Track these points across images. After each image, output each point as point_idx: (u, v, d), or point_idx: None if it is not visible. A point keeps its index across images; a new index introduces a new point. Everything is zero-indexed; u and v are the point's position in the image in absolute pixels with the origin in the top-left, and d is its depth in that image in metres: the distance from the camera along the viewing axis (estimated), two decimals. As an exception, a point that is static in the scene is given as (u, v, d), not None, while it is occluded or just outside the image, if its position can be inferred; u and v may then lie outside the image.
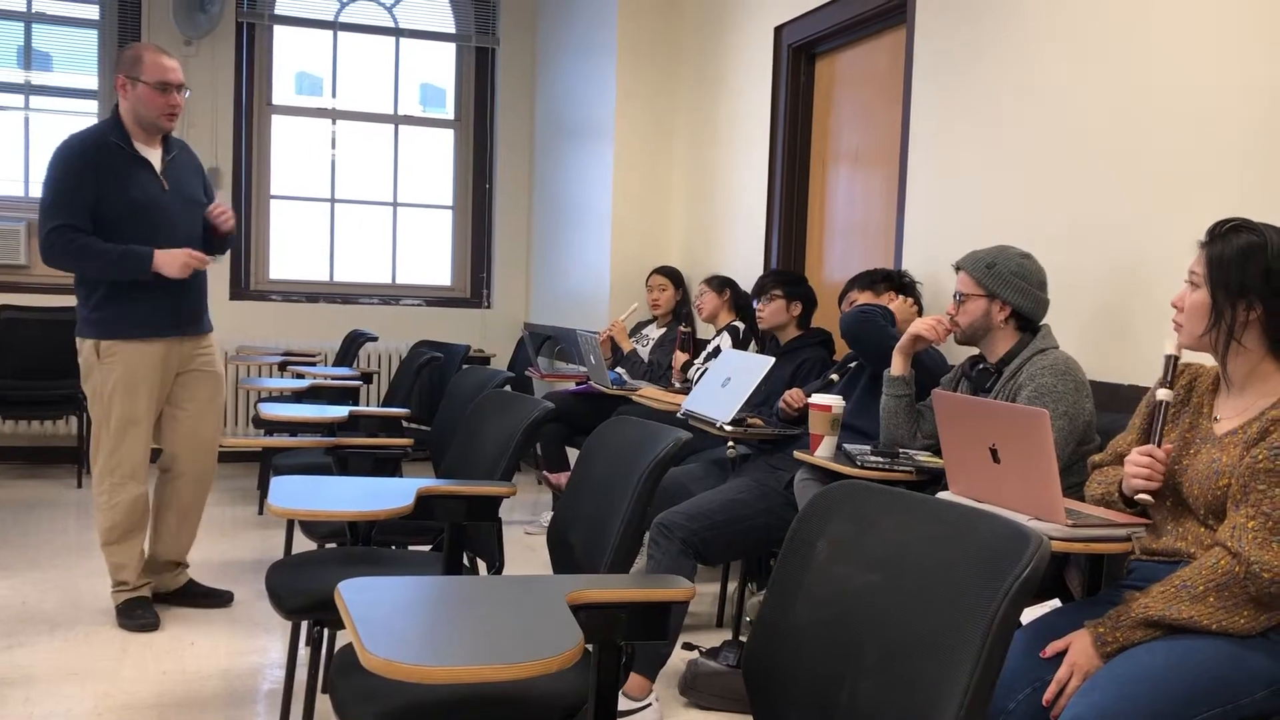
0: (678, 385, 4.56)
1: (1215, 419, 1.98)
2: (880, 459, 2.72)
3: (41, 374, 5.91)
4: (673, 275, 5.22)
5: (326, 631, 2.41)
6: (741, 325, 4.59)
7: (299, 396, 4.43)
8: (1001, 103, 3.32)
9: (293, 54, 6.92)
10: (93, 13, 6.48)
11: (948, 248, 3.34)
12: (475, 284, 7.28)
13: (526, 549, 4.74)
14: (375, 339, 6.03)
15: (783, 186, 4.65)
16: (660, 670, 2.96)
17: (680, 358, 4.66)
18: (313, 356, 6.05)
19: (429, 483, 2.29)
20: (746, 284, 4.57)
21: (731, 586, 3.84)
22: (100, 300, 3.48)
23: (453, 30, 7.13)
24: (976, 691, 1.14)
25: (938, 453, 2.62)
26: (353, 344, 5.95)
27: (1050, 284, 2.72)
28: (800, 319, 3.98)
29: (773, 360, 3.42)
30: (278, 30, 6.80)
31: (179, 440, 3.68)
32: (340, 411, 3.35)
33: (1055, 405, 2.45)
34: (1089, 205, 2.97)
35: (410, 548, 3.07)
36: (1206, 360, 2.03)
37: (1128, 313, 2.81)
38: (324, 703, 2.08)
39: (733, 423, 3.32)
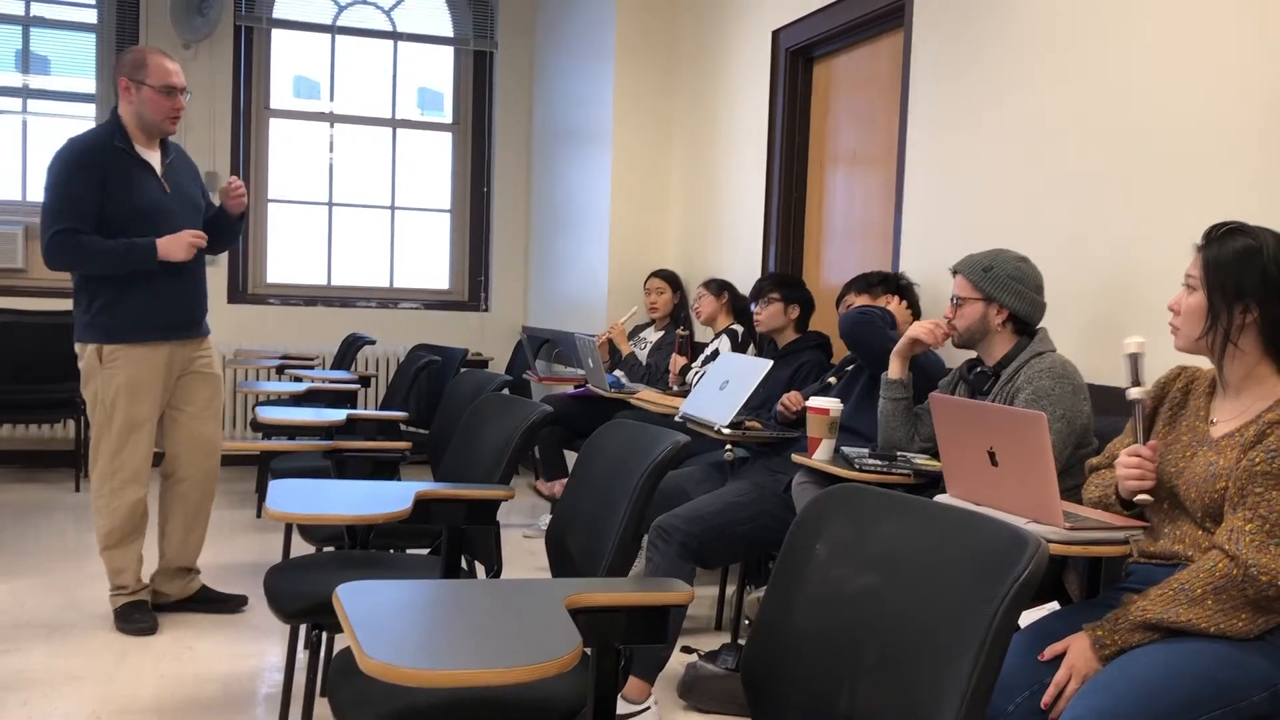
0: (675, 389, 4.56)
1: (1212, 422, 1.98)
2: (878, 462, 2.72)
3: (39, 378, 5.90)
4: (670, 278, 5.22)
5: (325, 635, 2.41)
6: (740, 328, 4.60)
7: (297, 400, 4.43)
8: (999, 106, 3.33)
9: (291, 58, 6.92)
10: (91, 17, 6.48)
11: (945, 251, 3.34)
12: (473, 287, 7.29)
13: (525, 552, 4.73)
14: (373, 342, 6.03)
15: (781, 190, 4.65)
16: (659, 673, 2.95)
17: (678, 361, 4.66)
18: (311, 360, 6.05)
19: (427, 486, 2.29)
20: (745, 287, 4.57)
21: (730, 589, 3.84)
22: (103, 305, 3.48)
23: (450, 34, 7.13)
24: (975, 694, 1.14)
25: (936, 456, 2.62)
26: (351, 347, 5.95)
27: (1047, 287, 2.73)
28: (798, 322, 3.98)
29: (770, 363, 3.42)
30: (276, 34, 6.80)
31: (181, 443, 3.68)
32: (338, 415, 3.35)
33: (1053, 408, 2.45)
34: (1086, 208, 2.97)
35: (408, 551, 3.07)
36: (1202, 363, 2.04)
37: (1125, 316, 2.81)
38: (322, 706, 2.08)
39: (731, 426, 3.32)
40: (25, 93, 6.43)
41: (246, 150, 6.69)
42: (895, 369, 2.89)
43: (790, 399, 3.41)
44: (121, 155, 3.49)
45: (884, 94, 4.09)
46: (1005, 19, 3.31)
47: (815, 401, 2.96)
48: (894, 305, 3.40)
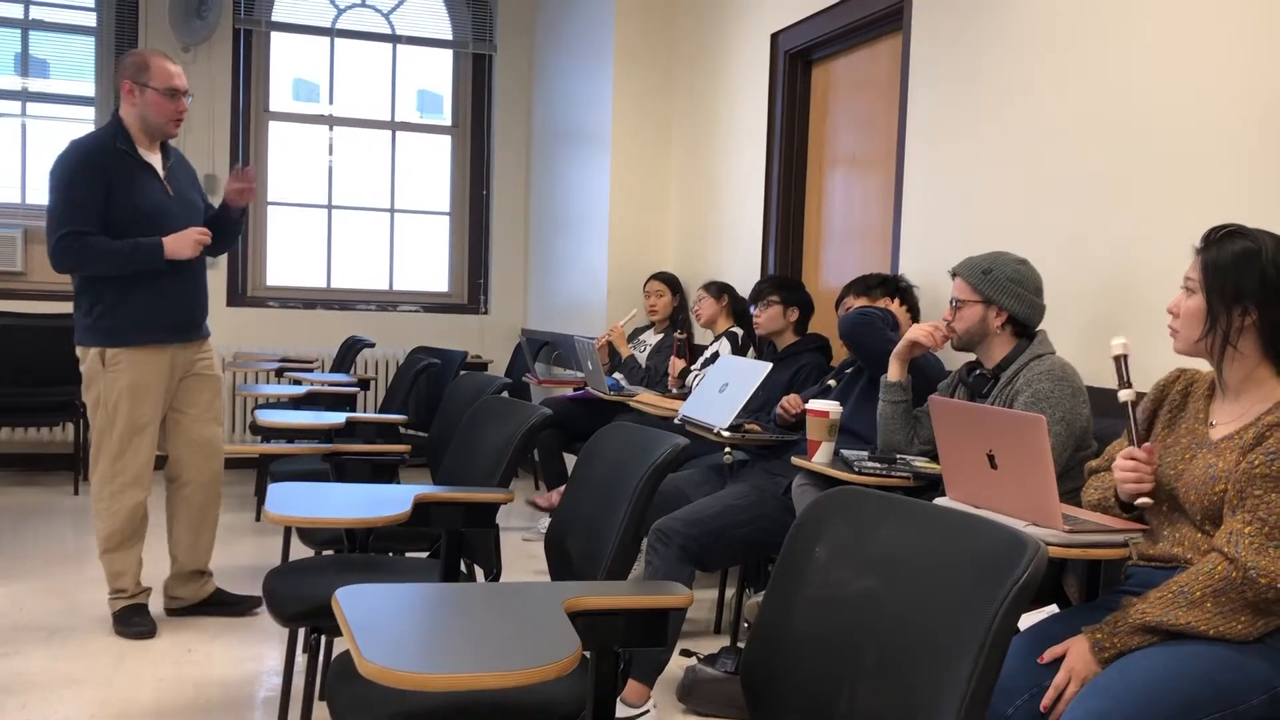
0: (675, 391, 4.56)
1: (1211, 424, 1.98)
2: (878, 465, 2.72)
3: (38, 381, 5.90)
4: (670, 281, 5.22)
5: (324, 638, 2.41)
6: (740, 331, 4.60)
7: (296, 403, 4.43)
8: (998, 109, 3.33)
9: (290, 60, 6.92)
10: (90, 20, 6.48)
11: (944, 253, 3.35)
12: (472, 290, 7.29)
13: (524, 555, 4.73)
14: (372, 345, 6.03)
15: (780, 192, 4.65)
16: (658, 677, 2.95)
17: (676, 365, 4.66)
18: (310, 363, 6.05)
19: (426, 489, 2.29)
20: (744, 289, 4.58)
21: (729, 592, 3.84)
22: (105, 308, 3.48)
23: (450, 37, 7.14)
24: (974, 697, 1.14)
25: (935, 458, 2.62)
26: (350, 350, 5.95)
27: (1046, 289, 2.73)
28: (797, 325, 3.98)
29: (770, 366, 3.43)
30: (275, 37, 6.80)
31: (184, 446, 3.68)
32: (337, 418, 3.35)
33: (1052, 411, 2.45)
34: (1085, 211, 2.97)
35: (408, 554, 3.07)
36: (1201, 365, 2.04)
37: (1124, 318, 2.82)
38: (321, 710, 2.08)
39: (730, 428, 3.32)
40: (24, 96, 6.43)
41: (246, 153, 6.69)
42: (894, 371, 2.89)
43: (789, 402, 3.41)
44: (125, 158, 3.49)
45: (883, 96, 4.09)
46: (1004, 21, 3.31)
47: (815, 404, 2.96)
48: (893, 308, 3.41)
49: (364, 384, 5.47)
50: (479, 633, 1.41)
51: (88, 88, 6.50)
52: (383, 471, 3.21)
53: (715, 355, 4.51)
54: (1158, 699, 1.70)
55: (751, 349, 4.53)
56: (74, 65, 6.52)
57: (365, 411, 6.00)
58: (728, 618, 3.81)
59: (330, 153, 6.99)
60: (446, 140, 7.24)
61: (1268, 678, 1.76)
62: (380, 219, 7.14)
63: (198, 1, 6.33)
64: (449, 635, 1.42)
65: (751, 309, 4.04)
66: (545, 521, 4.94)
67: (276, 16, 6.76)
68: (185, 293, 3.59)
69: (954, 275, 2.75)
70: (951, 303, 2.73)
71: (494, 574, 2.62)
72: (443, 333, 6.89)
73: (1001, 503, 2.05)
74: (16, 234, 6.26)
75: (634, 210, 5.70)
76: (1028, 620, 2.08)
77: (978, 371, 2.74)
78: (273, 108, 6.82)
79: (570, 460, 4.85)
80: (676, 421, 3.55)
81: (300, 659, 2.81)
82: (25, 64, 6.43)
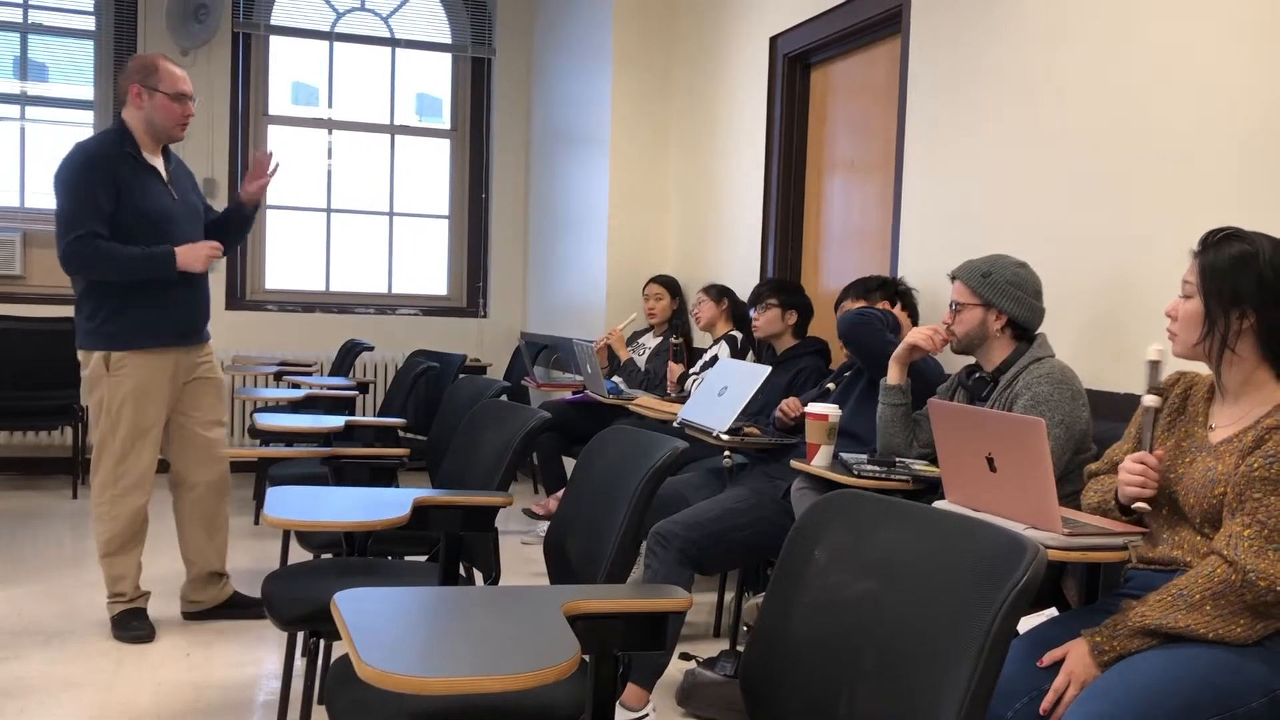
0: (673, 395, 4.56)
1: (1210, 427, 1.98)
2: (877, 468, 2.72)
3: (37, 384, 5.90)
4: (669, 285, 5.22)
5: (323, 642, 2.40)
6: (739, 334, 4.60)
7: (295, 406, 4.43)
8: (997, 112, 3.33)
9: (289, 64, 6.93)
10: (89, 24, 6.48)
11: (943, 256, 3.35)
12: (471, 293, 7.29)
13: (523, 559, 4.73)
14: (371, 349, 6.03)
15: (779, 195, 4.66)
16: (658, 680, 2.95)
17: (675, 370, 4.66)
18: (309, 366, 6.05)
19: (425, 493, 2.28)
20: (743, 292, 4.58)
21: (729, 596, 3.84)
22: (110, 311, 3.48)
23: (449, 40, 7.14)
24: (974, 700, 1.14)
25: (934, 462, 2.62)
26: (349, 354, 5.95)
27: (1046, 293, 2.73)
28: (796, 328, 3.98)
29: (769, 369, 3.42)
30: (274, 40, 6.81)
31: (190, 449, 3.69)
32: (336, 421, 3.34)
33: (1051, 414, 2.45)
34: (1084, 214, 2.98)
35: (407, 558, 3.07)
36: (1201, 369, 2.04)
37: (1123, 321, 2.82)
38: (320, 713, 2.08)
39: (729, 432, 3.32)
40: (23, 99, 6.43)
41: (245, 157, 6.69)
42: (894, 375, 2.89)
43: (789, 405, 3.41)
44: (131, 161, 3.51)
45: (881, 100, 4.09)
46: (1002, 25, 3.31)
47: (814, 407, 2.95)
48: (892, 311, 3.40)
49: (363, 387, 5.47)
50: (478, 636, 1.41)
51: (86, 91, 6.51)
52: (381, 475, 3.20)
53: (714, 358, 4.51)
54: (1157, 702, 1.70)
55: (750, 352, 4.53)
56: (73, 69, 6.52)
57: (364, 415, 6.01)
58: (727, 621, 3.81)
59: (329, 156, 7.00)
60: (445, 144, 7.24)
61: (1267, 681, 1.76)
62: (379, 222, 7.14)
63: (196, 5, 6.33)
64: (448, 639, 1.41)
65: (751, 312, 4.04)
66: (544, 525, 4.94)
67: (275, 20, 6.76)
68: (189, 296, 3.60)
69: (953, 278, 2.75)
70: (951, 306, 2.73)
71: (493, 577, 2.62)
72: (442, 336, 6.89)
73: (1001, 506, 2.05)
74: (15, 238, 6.26)
75: (633, 213, 5.71)
76: (1027, 623, 2.08)
77: (977, 374, 2.74)
78: (272, 111, 6.83)
79: (569, 463, 4.85)
80: (675, 425, 3.54)
81: (299, 662, 2.81)
82: (24, 68, 6.44)
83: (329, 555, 3.05)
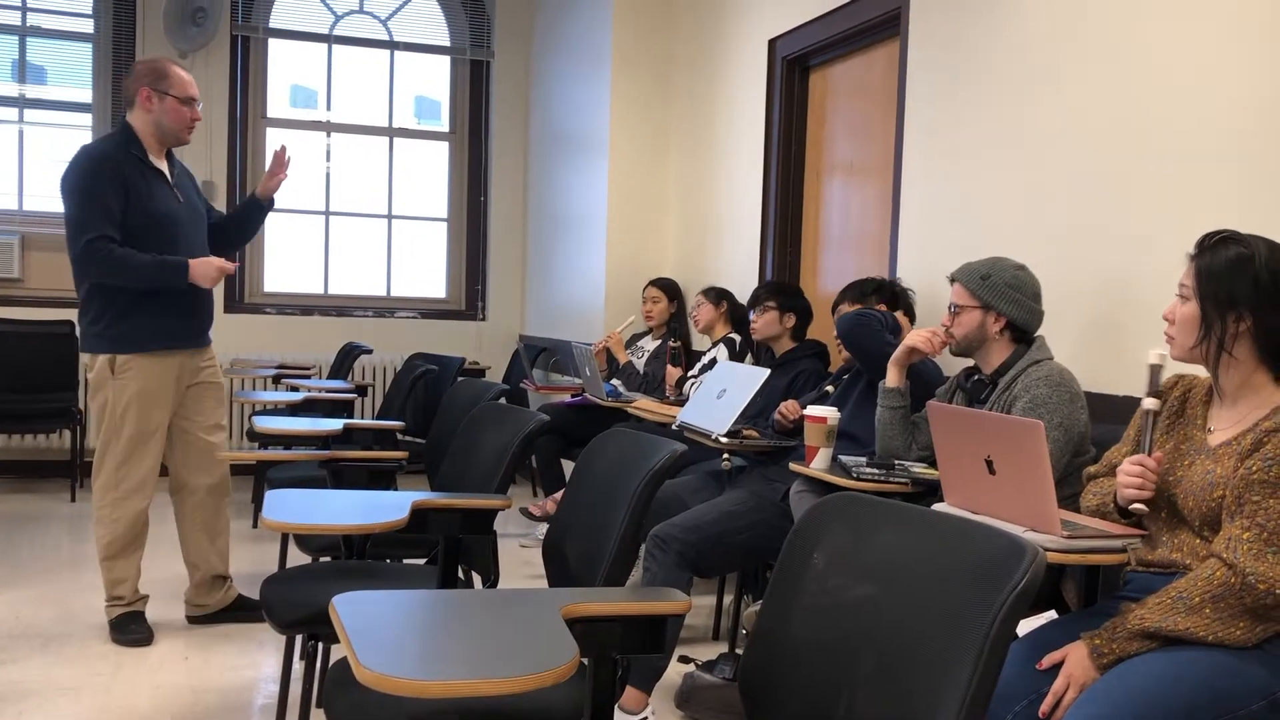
0: (672, 398, 4.56)
1: (1209, 430, 1.98)
2: (876, 471, 2.72)
3: (35, 387, 5.90)
4: (667, 288, 5.22)
5: (321, 645, 2.40)
6: (738, 337, 4.59)
7: (293, 409, 4.42)
8: (995, 113, 3.33)
9: (287, 67, 6.93)
10: (87, 27, 6.48)
11: (942, 259, 3.35)
12: (470, 296, 7.29)
13: (522, 562, 4.73)
14: (370, 351, 6.02)
15: (777, 198, 4.66)
16: (656, 683, 2.95)
17: (673, 373, 4.66)
18: (307, 369, 6.04)
19: (424, 496, 2.28)
20: (742, 294, 4.58)
21: (727, 599, 3.84)
22: (116, 315, 3.48)
23: (447, 43, 7.14)
24: (973, 703, 1.14)
25: (933, 464, 2.62)
26: (347, 357, 5.94)
27: (1045, 293, 2.73)
28: (794, 331, 3.98)
29: (768, 372, 3.42)
30: (272, 43, 6.81)
31: (192, 454, 3.69)
32: (335, 424, 3.34)
33: (1050, 417, 2.45)
34: (1083, 217, 2.98)
35: (405, 561, 3.06)
36: (1200, 372, 2.04)
37: (1122, 324, 2.82)
38: (318, 717, 2.07)
39: (728, 435, 3.31)
40: (21, 102, 6.43)
41: (243, 159, 6.69)
42: (892, 377, 2.89)
43: (787, 407, 3.41)
44: (138, 164, 3.52)
45: (880, 102, 4.10)
46: (1001, 26, 3.31)
47: (813, 410, 2.95)
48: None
49: (361, 390, 5.46)
50: (477, 639, 1.41)
51: (85, 94, 6.50)
52: (380, 478, 3.20)
53: (713, 361, 4.51)
54: (1156, 705, 1.70)
55: (749, 355, 4.53)
56: (71, 72, 6.52)
57: (363, 418, 6.01)
58: (726, 624, 3.81)
59: (328, 159, 7.00)
60: (444, 146, 7.24)
61: (1266, 683, 1.76)
62: (378, 225, 7.14)
63: (195, 8, 6.33)
64: (447, 642, 1.41)
65: (749, 314, 4.04)
66: (543, 528, 4.94)
67: (274, 23, 6.77)
68: (194, 299, 3.61)
69: (952, 280, 2.75)
70: (950, 308, 2.73)
71: (491, 580, 2.61)
72: (440, 339, 6.89)
73: (999, 508, 2.05)
74: (14, 240, 6.26)
75: (632, 216, 5.71)
76: (1026, 626, 2.08)
77: (976, 377, 2.74)
78: (270, 114, 6.83)
79: (568, 466, 4.85)
80: (674, 427, 3.54)
81: (298, 666, 2.81)
82: (23, 70, 6.43)
83: (327, 558, 3.05)
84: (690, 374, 4.65)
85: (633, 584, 3.39)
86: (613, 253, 5.69)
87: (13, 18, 6.39)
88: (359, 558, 2.80)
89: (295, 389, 4.96)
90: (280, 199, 4.08)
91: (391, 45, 7.03)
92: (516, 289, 7.24)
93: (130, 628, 3.54)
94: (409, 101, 7.27)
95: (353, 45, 6.97)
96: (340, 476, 3.03)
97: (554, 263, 6.60)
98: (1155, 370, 2.03)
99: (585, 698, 1.57)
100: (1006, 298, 2.65)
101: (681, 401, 4.29)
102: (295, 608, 2.33)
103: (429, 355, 5.46)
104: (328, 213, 7.01)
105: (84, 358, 3.57)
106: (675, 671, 3.15)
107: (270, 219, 6.85)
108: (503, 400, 3.07)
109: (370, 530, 2.12)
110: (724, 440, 3.31)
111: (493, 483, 2.50)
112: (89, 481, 3.62)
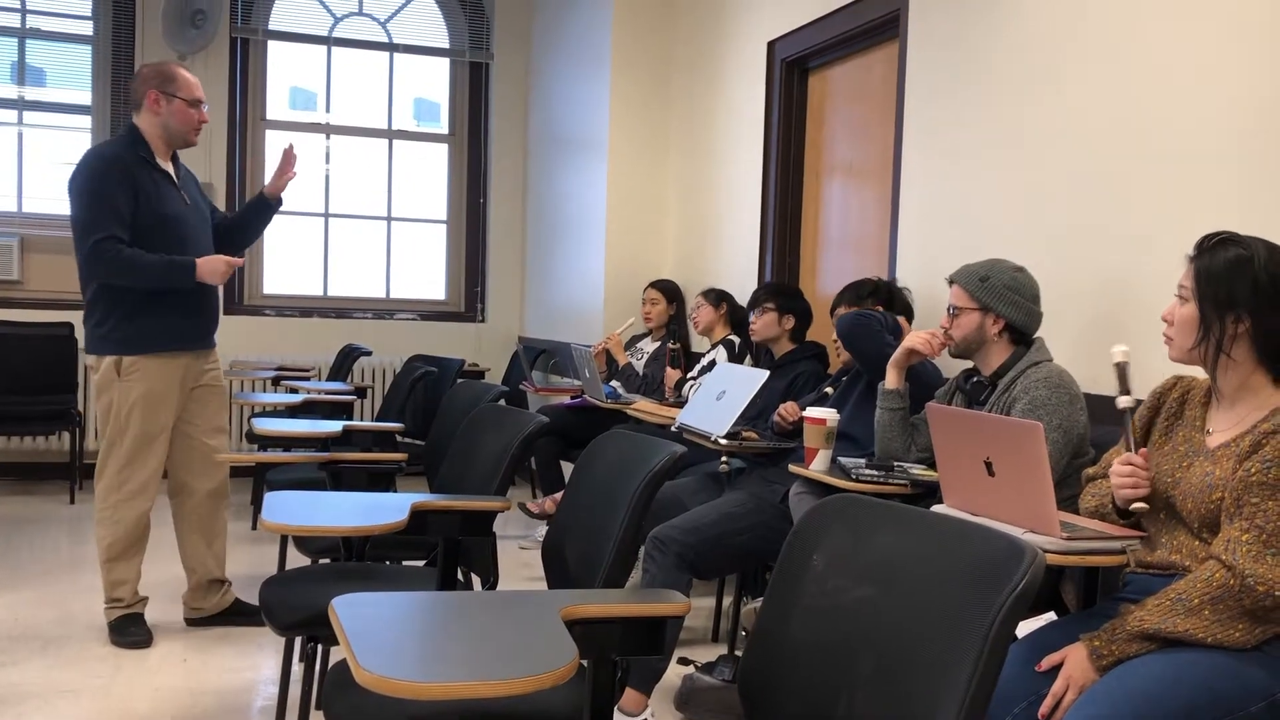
0: (671, 400, 4.56)
1: (1208, 432, 1.98)
2: (875, 472, 2.72)
3: (35, 389, 5.90)
4: (667, 290, 5.21)
5: (320, 647, 2.40)
6: (737, 339, 4.59)
7: (293, 411, 4.42)
8: (994, 114, 3.34)
9: (287, 69, 6.93)
10: (86, 29, 6.49)
11: (941, 260, 3.35)
12: (469, 298, 7.29)
13: (521, 564, 4.73)
14: (369, 353, 6.02)
15: (777, 199, 4.66)
16: (656, 685, 2.95)
17: (672, 375, 4.66)
18: (306, 371, 6.04)
19: (423, 498, 2.28)
20: (741, 296, 4.58)
21: (727, 600, 3.84)
22: (122, 316, 3.48)
23: (447, 45, 7.15)
24: (972, 704, 1.14)
25: (933, 466, 2.62)
26: (347, 358, 5.94)
27: (1044, 294, 2.73)
28: (793, 332, 3.98)
29: (767, 374, 3.42)
30: (272, 45, 6.81)
31: (193, 457, 3.69)
32: (334, 426, 3.34)
33: (1049, 418, 2.45)
34: (1083, 217, 2.98)
35: (404, 563, 3.06)
36: (1198, 373, 2.04)
37: (1123, 322, 2.82)
38: (318, 719, 2.07)
39: (727, 436, 3.31)
40: (21, 105, 6.43)
41: (243, 162, 6.69)
42: (891, 379, 2.89)
43: (787, 409, 3.41)
44: (147, 166, 3.53)
45: (879, 104, 4.10)
46: (1000, 27, 3.32)
47: (812, 412, 2.95)
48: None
49: (361, 392, 5.47)
50: (476, 641, 1.41)
51: (84, 96, 6.50)
52: (379, 480, 3.20)
53: (712, 363, 4.51)
54: (1156, 706, 1.70)
55: (748, 356, 4.53)
56: (70, 74, 6.52)
57: (362, 420, 6.01)
58: (725, 626, 3.80)
59: (327, 161, 7.00)
60: (443, 148, 7.24)
61: (1266, 685, 1.76)
62: (377, 227, 7.14)
63: (194, 10, 6.34)
64: (446, 644, 1.41)
65: (749, 316, 4.04)
66: (542, 530, 4.93)
67: (273, 25, 6.77)
68: (200, 300, 3.62)
69: (951, 282, 2.75)
70: (949, 310, 2.73)
71: (491, 582, 2.61)
72: (440, 341, 6.89)
73: (999, 510, 2.05)
74: (13, 242, 6.26)
75: (631, 218, 5.71)
76: (1025, 628, 2.08)
77: (975, 379, 2.74)
78: (270, 116, 6.83)
79: (567, 468, 4.85)
80: (673, 429, 3.54)
81: (297, 668, 2.81)
82: (22, 73, 6.44)
83: (327, 560, 3.05)
84: (689, 376, 4.65)
85: (632, 586, 3.39)
86: (612, 254, 5.69)
87: (12, 20, 6.39)
88: (358, 559, 2.80)
89: (295, 391, 4.96)
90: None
91: (391, 47, 7.03)
92: (516, 291, 7.24)
93: (129, 630, 3.54)
94: (408, 103, 7.27)
95: (352, 47, 6.97)
96: (339, 478, 3.03)
97: (553, 264, 6.60)
98: (1121, 369, 2.04)
99: (585, 699, 1.57)
100: (1005, 299, 2.65)
101: (681, 403, 4.29)
102: (294, 609, 2.33)
103: (428, 357, 5.46)
104: (327, 215, 7.01)
105: (89, 359, 3.57)
106: (675, 673, 3.15)
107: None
108: (502, 402, 3.07)
109: (370, 532, 2.12)
110: (723, 442, 3.31)
111: (492, 484, 2.50)
112: (88, 484, 3.62)
